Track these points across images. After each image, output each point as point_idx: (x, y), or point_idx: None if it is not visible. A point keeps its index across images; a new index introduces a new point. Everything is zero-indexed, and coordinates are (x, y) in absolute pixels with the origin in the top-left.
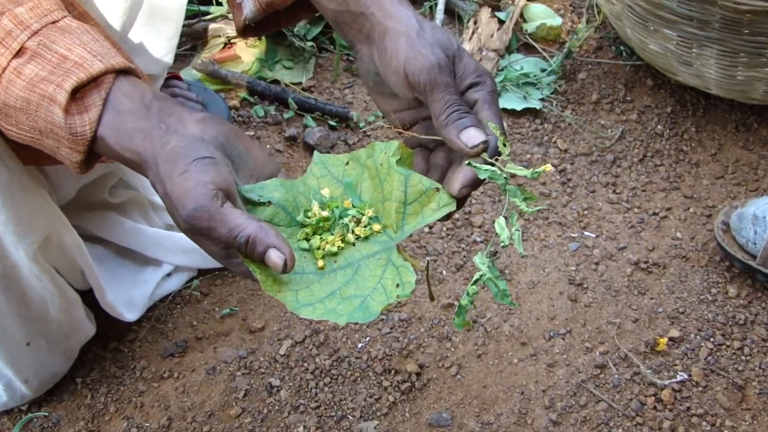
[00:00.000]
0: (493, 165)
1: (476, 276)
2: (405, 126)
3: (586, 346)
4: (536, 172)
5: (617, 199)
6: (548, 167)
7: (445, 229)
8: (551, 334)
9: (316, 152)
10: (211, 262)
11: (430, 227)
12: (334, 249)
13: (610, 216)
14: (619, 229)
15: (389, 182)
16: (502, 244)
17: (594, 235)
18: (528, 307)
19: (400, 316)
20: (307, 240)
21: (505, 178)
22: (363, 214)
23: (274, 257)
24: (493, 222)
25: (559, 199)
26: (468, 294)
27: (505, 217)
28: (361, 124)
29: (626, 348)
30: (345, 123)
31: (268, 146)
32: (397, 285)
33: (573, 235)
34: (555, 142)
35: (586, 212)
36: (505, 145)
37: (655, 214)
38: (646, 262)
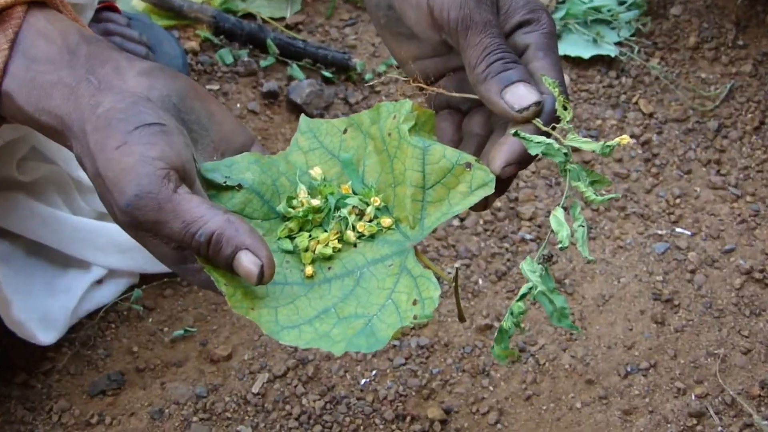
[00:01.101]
0: (548, 135)
1: (524, 288)
2: (428, 80)
3: (676, 387)
4: (608, 145)
5: (722, 183)
6: (626, 139)
7: (481, 222)
8: (628, 370)
9: (303, 116)
10: (158, 266)
11: (461, 219)
12: (328, 251)
13: (712, 206)
14: (725, 225)
15: (401, 158)
16: (560, 245)
17: (689, 233)
18: (596, 332)
19: (419, 342)
20: (292, 238)
21: (565, 153)
22: (368, 204)
23: (247, 263)
24: (548, 214)
25: (641, 183)
26: (512, 313)
27: (565, 208)
28: (368, 76)
29: (733, 390)
30: (345, 74)
31: (238, 106)
32: (415, 302)
33: (660, 232)
34: (636, 102)
35: (678, 201)
36: (565, 108)
37: None
38: (762, 271)
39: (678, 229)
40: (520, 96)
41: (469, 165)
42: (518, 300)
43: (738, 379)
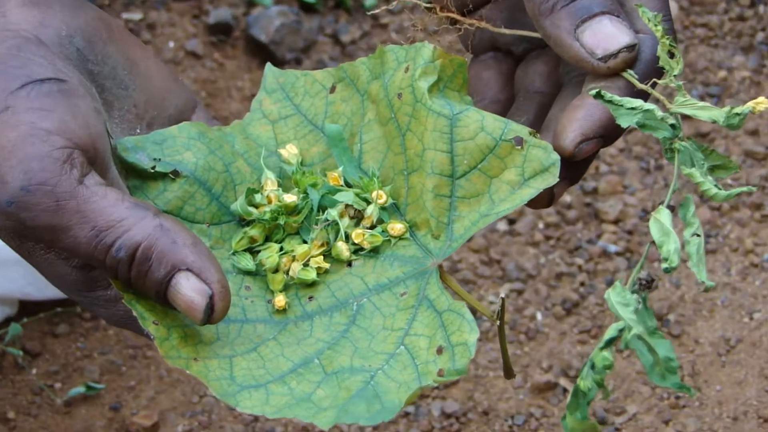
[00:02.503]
0: (646, 96)
1: (611, 330)
2: (464, 7)
3: None
4: (737, 113)
5: None
6: (764, 102)
7: (541, 225)
8: None
9: (269, 65)
10: (49, 291)
11: (510, 221)
12: (310, 274)
13: None
14: None
15: (417, 132)
16: (664, 265)
17: None
18: (716, 395)
19: (445, 407)
20: (254, 252)
21: (672, 125)
22: (368, 201)
23: (188, 290)
24: (645, 215)
25: None
26: (593, 367)
27: (671, 208)
28: (369, 1)
29: None
30: None
31: (171, 46)
32: (440, 349)
33: None
34: None
35: None
36: (672, 55)
37: None
38: None
39: None
40: (604, 36)
41: (520, 141)
42: (603, 347)
43: None
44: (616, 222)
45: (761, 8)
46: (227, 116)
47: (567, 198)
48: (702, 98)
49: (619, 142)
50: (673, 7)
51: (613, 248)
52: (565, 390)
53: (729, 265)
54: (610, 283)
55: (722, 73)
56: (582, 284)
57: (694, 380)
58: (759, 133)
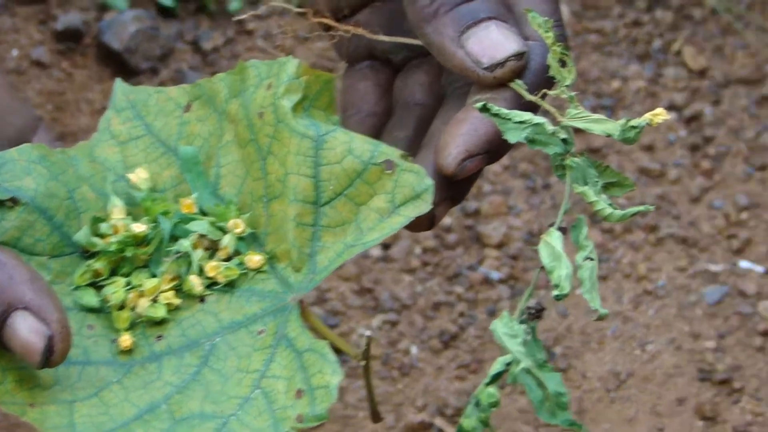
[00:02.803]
0: (536, 108)
1: (498, 364)
2: (338, 13)
3: None
4: (633, 126)
5: None
6: (660, 114)
7: (418, 250)
8: None
9: (118, 81)
10: None
11: (384, 245)
12: (159, 311)
13: None
14: None
15: (279, 155)
16: (555, 293)
17: (762, 269)
18: None
19: None
20: (98, 287)
21: (564, 139)
22: (224, 231)
23: (25, 331)
24: (532, 238)
25: (685, 186)
26: (478, 405)
27: (562, 230)
28: (234, 5)
29: None
30: (196, 1)
31: (14, 54)
32: (299, 393)
33: (713, 267)
34: (678, 52)
35: (744, 216)
36: (564, 64)
37: None
38: None
39: (743, 263)
40: (490, 43)
41: (391, 165)
42: (489, 383)
43: None
44: (499, 246)
45: (658, 13)
46: (76, 132)
47: (447, 220)
48: (595, 110)
49: (504, 159)
50: (565, 11)
51: (495, 275)
52: (440, 431)
53: (621, 292)
54: (491, 313)
55: (616, 83)
56: (461, 314)
57: (580, 418)
58: (654, 148)
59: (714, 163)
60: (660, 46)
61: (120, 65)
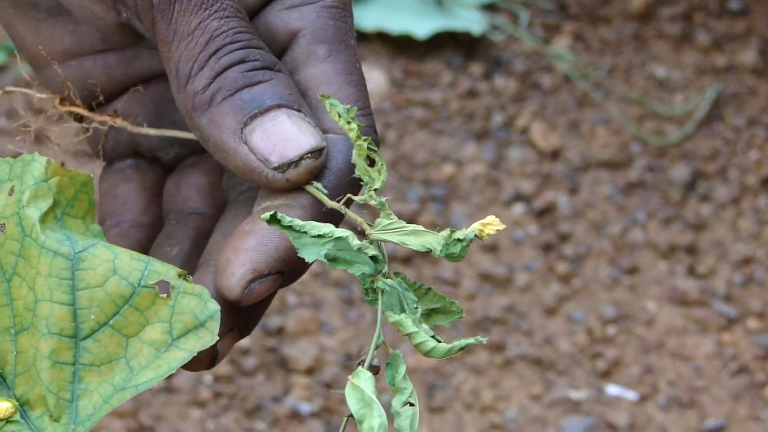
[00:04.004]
0: (338, 218)
1: None
2: (94, 97)
3: None
4: (459, 239)
5: (698, 293)
6: (492, 225)
7: (208, 378)
8: None
9: None
10: None
11: (166, 387)
12: None
13: (680, 340)
14: (706, 379)
15: (27, 277)
16: None
17: (634, 395)
18: None
19: None
20: None
21: (374, 257)
22: None
23: None
24: (350, 363)
25: (536, 295)
26: None
27: (374, 368)
28: None
29: None
30: None
31: None
32: None
33: (574, 395)
34: (525, 130)
35: (611, 330)
36: (373, 163)
37: None
38: None
39: (612, 389)
40: (280, 137)
41: (166, 287)
42: None
43: None
44: (309, 372)
45: (498, 81)
46: None
47: (244, 342)
48: (423, 202)
49: (314, 264)
50: (382, 79)
51: (305, 407)
52: None
53: (462, 427)
54: None
55: (449, 168)
56: None
57: None
58: (498, 248)
59: (572, 266)
60: (501, 122)
61: None
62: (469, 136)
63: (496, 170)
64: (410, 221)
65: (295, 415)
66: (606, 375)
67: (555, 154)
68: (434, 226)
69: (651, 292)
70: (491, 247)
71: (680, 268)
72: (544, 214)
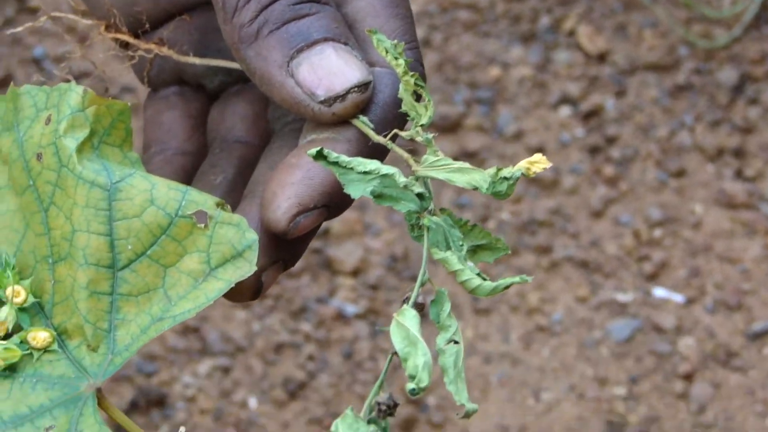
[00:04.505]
0: (383, 153)
1: None
2: (139, 27)
3: None
4: (505, 177)
5: (747, 196)
6: (539, 163)
7: (207, 338)
8: None
9: None
10: None
11: (175, 330)
12: None
13: (728, 243)
14: (754, 282)
15: (64, 207)
16: (411, 386)
17: (681, 298)
18: None
19: None
20: None
21: (420, 194)
22: (2, 301)
23: None
24: (395, 264)
25: (583, 197)
26: None
27: (420, 305)
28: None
29: None
30: None
31: None
32: None
33: (621, 297)
34: (572, 32)
35: (658, 233)
36: (419, 98)
37: None
38: None
39: (658, 291)
40: (327, 71)
41: (204, 217)
42: None
43: None
44: (354, 274)
45: None
46: None
47: (287, 281)
48: (469, 104)
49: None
50: (421, 30)
51: (350, 309)
52: None
53: (508, 328)
54: (348, 356)
55: (495, 71)
56: (310, 358)
57: None
58: (545, 151)
59: (619, 168)
60: (548, 25)
61: None
62: (515, 39)
63: (543, 73)
64: (456, 124)
65: (341, 317)
66: (653, 278)
67: (602, 57)
68: (481, 129)
69: (698, 195)
70: (537, 149)
71: (727, 171)
72: (591, 116)
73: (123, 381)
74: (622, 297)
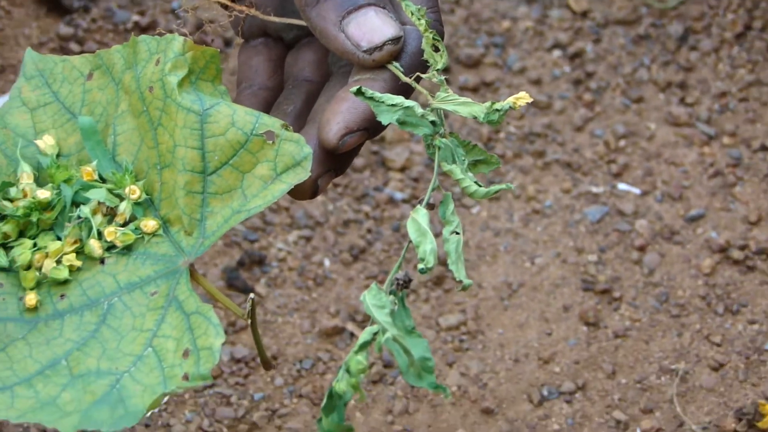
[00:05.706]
0: (409, 90)
1: (365, 335)
2: None
3: (615, 419)
4: (497, 109)
5: (687, 117)
6: (523, 98)
7: (295, 216)
8: (545, 394)
9: (29, 51)
10: None
11: (272, 210)
12: (63, 273)
13: (673, 152)
14: (691, 180)
15: (168, 127)
16: (421, 266)
17: (638, 191)
18: (498, 338)
19: (235, 352)
20: (7, 248)
21: (433, 122)
22: (121, 197)
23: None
24: (431, 163)
25: (568, 116)
26: (349, 371)
27: (431, 206)
28: None
29: (697, 423)
30: None
31: None
32: (186, 353)
33: (595, 189)
34: None
35: (622, 144)
36: (437, 49)
37: (765, 149)
38: (743, 248)
39: (622, 186)
40: (369, 28)
41: (272, 135)
42: (357, 351)
43: (705, 405)
44: (402, 170)
45: None
46: (15, 64)
47: (332, 189)
48: (487, 47)
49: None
50: None
51: (399, 195)
52: (352, 334)
53: (512, 212)
54: (396, 230)
55: (506, 23)
56: (369, 231)
57: (477, 324)
58: (541, 82)
59: (595, 95)
60: None
61: (54, 3)
62: (522, 0)
63: (541, 25)
64: (477, 62)
65: (391, 201)
66: (618, 176)
67: (584, 14)
68: (495, 65)
69: (652, 116)
70: (536, 81)
71: (674, 99)
72: (575, 57)
73: (234, 246)
74: (595, 189)
